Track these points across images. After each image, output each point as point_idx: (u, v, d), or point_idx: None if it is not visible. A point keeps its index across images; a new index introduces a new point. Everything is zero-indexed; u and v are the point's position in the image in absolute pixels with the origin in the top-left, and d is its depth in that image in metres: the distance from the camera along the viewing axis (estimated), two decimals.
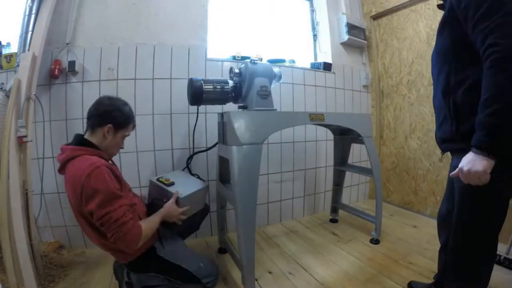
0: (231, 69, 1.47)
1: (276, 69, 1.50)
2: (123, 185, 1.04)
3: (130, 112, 1.13)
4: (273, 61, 2.19)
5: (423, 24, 2.25)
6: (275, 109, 1.45)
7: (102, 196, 0.90)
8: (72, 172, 0.95)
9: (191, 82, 1.36)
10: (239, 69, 1.44)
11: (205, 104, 1.43)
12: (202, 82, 1.36)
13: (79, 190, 0.90)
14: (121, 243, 0.93)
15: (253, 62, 1.42)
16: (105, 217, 0.90)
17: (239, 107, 1.47)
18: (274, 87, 1.52)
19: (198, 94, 1.35)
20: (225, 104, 1.53)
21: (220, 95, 1.42)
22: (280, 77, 1.51)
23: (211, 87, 1.38)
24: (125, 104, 1.12)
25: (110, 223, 0.90)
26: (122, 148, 1.17)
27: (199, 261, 1.16)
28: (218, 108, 1.78)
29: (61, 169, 1.02)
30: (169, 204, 1.16)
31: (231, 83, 1.45)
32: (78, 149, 1.00)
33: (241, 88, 1.45)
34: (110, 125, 1.05)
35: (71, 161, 0.97)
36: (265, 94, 1.40)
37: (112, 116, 1.06)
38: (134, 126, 1.17)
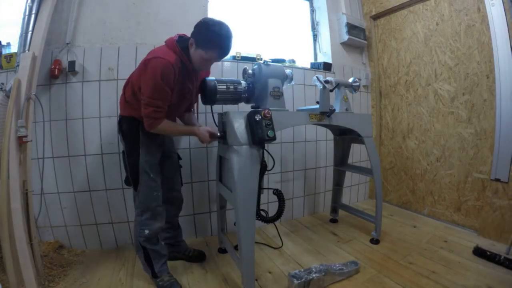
0: (244, 70, 1.48)
1: (287, 70, 1.51)
2: (173, 89, 1.20)
3: (218, 38, 1.15)
4: (273, 61, 2.20)
5: (420, 25, 2.26)
6: (287, 110, 1.46)
7: (151, 87, 1.14)
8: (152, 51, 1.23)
9: (204, 82, 1.37)
10: (253, 70, 1.46)
11: (218, 104, 1.44)
12: (216, 82, 1.37)
13: (142, 63, 1.18)
14: (145, 120, 1.20)
15: (266, 63, 1.43)
16: (145, 103, 1.16)
17: (252, 107, 1.48)
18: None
19: (212, 94, 1.36)
20: (237, 104, 1.54)
21: (233, 95, 1.43)
22: (291, 79, 1.52)
23: (225, 87, 1.39)
24: (221, 30, 1.16)
25: (146, 110, 1.17)
26: (204, 69, 1.36)
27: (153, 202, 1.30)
28: (218, 108, 1.77)
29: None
30: (204, 129, 1.33)
31: (244, 83, 1.46)
32: (171, 41, 1.22)
33: (254, 89, 1.46)
34: (192, 38, 1.19)
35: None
36: (278, 95, 1.42)
37: (196, 31, 1.18)
38: (218, 57, 1.21)
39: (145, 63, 1.15)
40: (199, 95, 1.46)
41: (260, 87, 1.42)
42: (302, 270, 1.34)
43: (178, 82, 1.21)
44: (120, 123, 1.33)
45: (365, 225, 2.01)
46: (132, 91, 1.26)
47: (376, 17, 2.64)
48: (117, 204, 1.74)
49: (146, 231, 1.27)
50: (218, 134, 1.33)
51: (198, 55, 1.18)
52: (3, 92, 1.38)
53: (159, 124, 1.21)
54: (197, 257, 1.59)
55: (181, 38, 1.24)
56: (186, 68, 1.23)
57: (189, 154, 1.86)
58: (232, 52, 2.03)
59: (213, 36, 1.14)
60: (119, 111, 1.40)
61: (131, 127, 1.30)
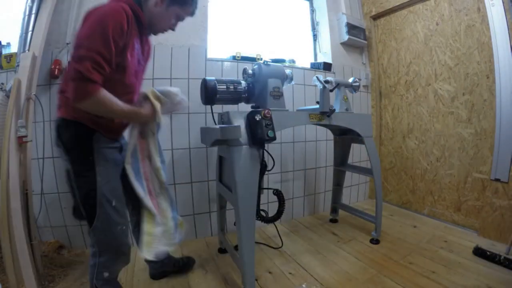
0: (244, 70, 1.48)
1: (287, 70, 1.51)
2: (123, 48, 0.90)
3: None
4: (273, 61, 2.20)
5: (420, 25, 2.26)
6: (287, 110, 1.46)
7: (91, 31, 0.82)
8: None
9: (204, 82, 1.37)
10: (253, 70, 1.45)
11: (218, 104, 1.44)
12: (215, 82, 1.36)
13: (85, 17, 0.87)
14: (72, 86, 0.81)
15: (266, 63, 1.43)
16: (78, 56, 0.80)
17: (252, 107, 1.48)
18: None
19: (211, 94, 1.35)
20: (237, 104, 1.54)
21: (233, 95, 1.42)
22: (291, 79, 1.52)
23: (225, 87, 1.38)
24: None
25: (77, 65, 0.79)
26: (172, 29, 1.11)
27: (117, 200, 0.98)
28: (218, 108, 1.78)
29: None
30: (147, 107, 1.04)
31: (244, 83, 1.46)
32: None
33: (254, 89, 1.46)
34: None
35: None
36: (278, 95, 1.42)
37: None
38: (192, 13, 1.09)
39: (86, 16, 0.88)
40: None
41: (260, 87, 1.42)
42: None
43: (130, 37, 0.92)
44: (60, 129, 0.96)
45: (365, 225, 2.01)
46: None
47: (376, 17, 2.64)
48: None
49: (106, 274, 1.02)
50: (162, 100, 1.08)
51: (172, 13, 1.03)
52: (3, 92, 1.37)
53: (95, 92, 0.81)
54: (187, 264, 1.47)
55: None
56: (141, 23, 0.99)
57: (188, 154, 1.86)
58: (232, 52, 2.05)
59: None
60: (55, 112, 1.01)
61: (79, 136, 0.94)
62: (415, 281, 1.33)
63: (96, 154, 0.95)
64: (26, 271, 1.21)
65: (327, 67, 2.40)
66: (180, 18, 1.09)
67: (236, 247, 1.44)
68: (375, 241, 1.77)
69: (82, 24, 0.87)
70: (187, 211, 1.88)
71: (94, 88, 0.81)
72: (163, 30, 1.09)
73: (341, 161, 2.12)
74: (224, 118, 1.32)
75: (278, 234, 1.82)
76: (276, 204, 1.50)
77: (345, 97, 1.75)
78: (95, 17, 0.84)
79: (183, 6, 1.05)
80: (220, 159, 1.55)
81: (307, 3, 2.63)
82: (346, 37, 2.46)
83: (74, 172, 0.94)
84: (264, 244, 1.79)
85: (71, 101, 0.83)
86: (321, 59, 2.56)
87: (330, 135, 2.23)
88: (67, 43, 1.63)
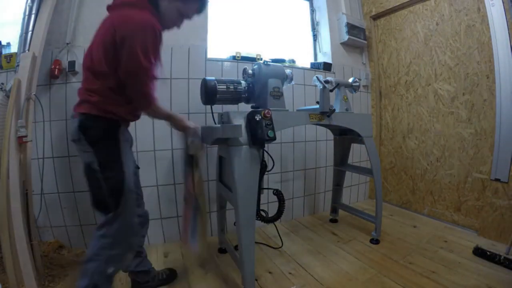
0: (244, 70, 1.48)
1: (287, 70, 1.51)
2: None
3: None
4: (273, 61, 2.20)
5: (420, 25, 2.26)
6: (287, 110, 1.46)
7: (144, 49, 0.90)
8: (122, 15, 0.93)
9: (205, 82, 1.37)
10: (252, 70, 1.45)
11: (218, 104, 1.44)
12: (216, 82, 1.36)
13: (121, 33, 0.89)
14: (140, 102, 1.00)
15: (266, 63, 1.43)
16: (146, 74, 0.93)
17: (252, 107, 1.48)
18: None
19: (211, 94, 1.35)
20: (237, 104, 1.54)
21: (233, 95, 1.42)
22: (291, 79, 1.52)
23: (225, 87, 1.38)
24: None
25: (146, 87, 0.94)
26: (178, 27, 1.10)
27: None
28: (218, 108, 1.77)
29: (110, 9, 1.00)
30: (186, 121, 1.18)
31: (244, 83, 1.46)
32: (137, 1, 0.95)
33: (254, 89, 1.46)
34: None
35: (125, 7, 0.94)
36: (278, 95, 1.42)
37: None
38: (199, 11, 1.08)
39: (122, 27, 0.89)
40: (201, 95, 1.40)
41: (260, 87, 1.42)
42: None
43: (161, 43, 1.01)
44: (86, 123, 0.95)
45: (365, 225, 2.01)
46: (101, 72, 0.96)
47: (376, 17, 2.64)
48: None
49: (110, 270, 0.96)
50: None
51: (173, 8, 1.01)
52: (3, 92, 1.37)
53: (155, 104, 1.00)
54: (170, 276, 1.38)
55: None
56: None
57: None
58: (232, 52, 2.05)
59: None
60: (75, 108, 1.01)
61: (107, 129, 0.96)
62: (415, 281, 1.33)
63: (122, 146, 0.99)
64: (26, 271, 1.21)
65: (327, 67, 2.40)
66: (184, 15, 1.07)
67: (236, 247, 1.44)
68: (375, 241, 1.77)
69: (122, 40, 0.89)
70: None
71: (155, 102, 1.00)
72: (167, 27, 1.08)
73: (341, 161, 2.12)
74: (224, 118, 1.32)
75: (278, 234, 1.82)
76: (276, 204, 1.50)
77: (345, 97, 1.75)
78: (143, 35, 0.89)
79: (186, 2, 1.03)
80: (220, 159, 1.55)
81: (307, 3, 2.63)
82: (346, 37, 2.46)
83: (100, 164, 0.94)
84: (264, 244, 1.79)
85: (139, 110, 1.05)
86: (321, 59, 2.56)
87: (330, 135, 2.22)
88: (67, 43, 1.63)
